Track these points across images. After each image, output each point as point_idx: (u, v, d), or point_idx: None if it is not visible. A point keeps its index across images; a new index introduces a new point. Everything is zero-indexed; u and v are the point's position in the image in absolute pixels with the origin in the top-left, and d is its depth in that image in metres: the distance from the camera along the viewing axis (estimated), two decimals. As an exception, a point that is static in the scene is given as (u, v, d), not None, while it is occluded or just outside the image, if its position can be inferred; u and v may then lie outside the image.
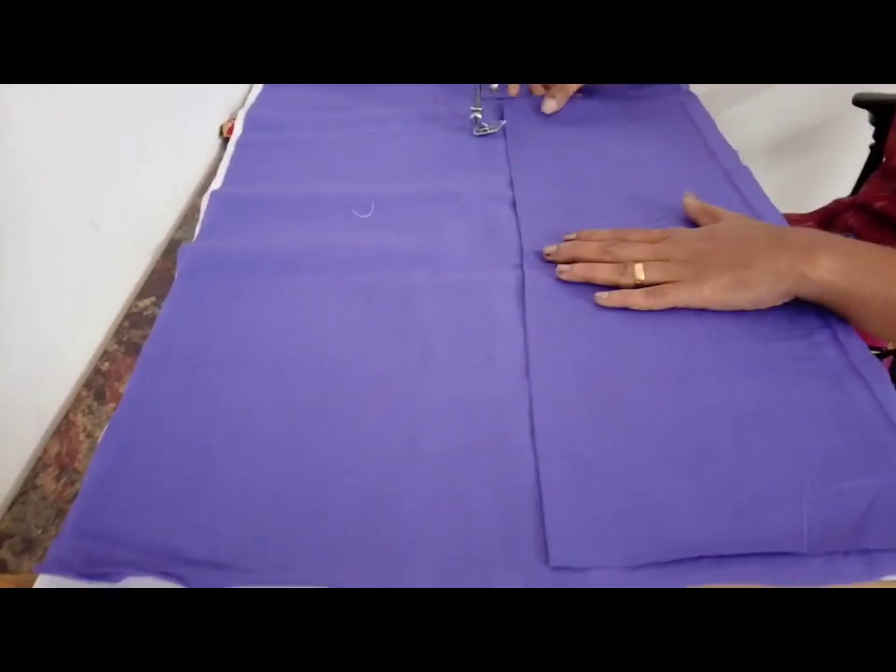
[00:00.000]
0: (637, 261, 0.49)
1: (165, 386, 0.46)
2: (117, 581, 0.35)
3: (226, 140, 0.78)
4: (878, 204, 0.74)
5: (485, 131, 0.74)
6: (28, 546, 0.41)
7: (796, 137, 1.19)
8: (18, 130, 0.47)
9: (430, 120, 0.77)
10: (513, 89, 0.77)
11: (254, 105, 0.79)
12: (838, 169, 1.12)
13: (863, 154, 0.97)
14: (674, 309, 0.48)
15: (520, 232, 0.59)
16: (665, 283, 0.48)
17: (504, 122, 0.75)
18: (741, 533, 0.36)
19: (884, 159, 0.77)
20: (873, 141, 0.95)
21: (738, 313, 0.48)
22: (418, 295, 0.53)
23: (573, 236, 0.55)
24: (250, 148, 0.72)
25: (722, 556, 0.34)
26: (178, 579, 0.35)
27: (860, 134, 0.96)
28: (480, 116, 0.74)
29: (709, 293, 0.47)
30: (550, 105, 0.75)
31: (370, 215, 0.62)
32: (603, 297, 0.49)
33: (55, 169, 0.50)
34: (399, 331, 0.50)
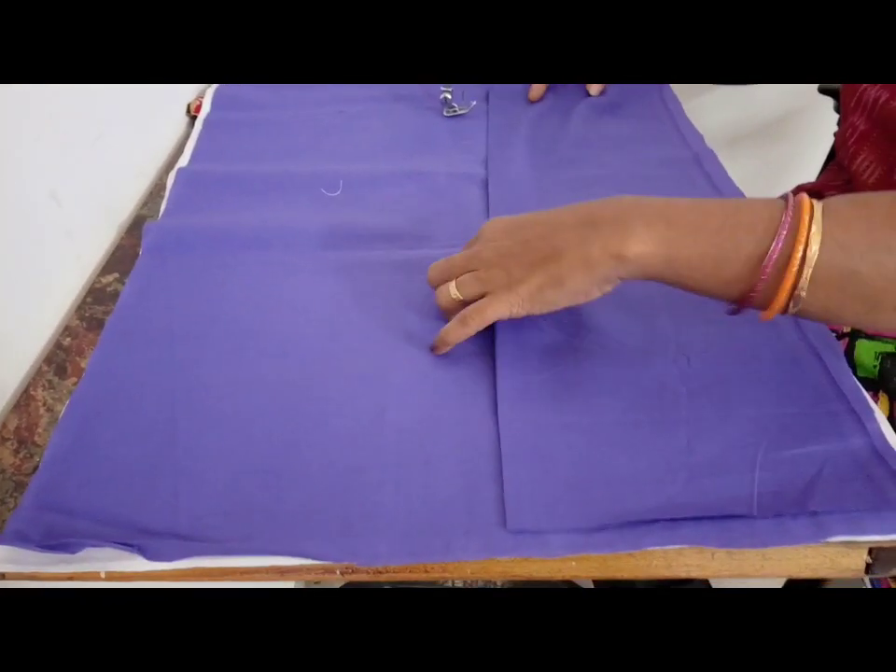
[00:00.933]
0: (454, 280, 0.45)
1: (129, 361, 0.46)
2: (75, 551, 0.36)
3: (193, 118, 0.77)
4: (828, 194, 0.76)
5: (455, 111, 0.74)
6: (-15, 518, 0.41)
7: (763, 126, 1.21)
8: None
9: (402, 100, 0.77)
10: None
11: (222, 84, 0.78)
12: (804, 157, 1.14)
13: (828, 141, 0.98)
14: (635, 284, 0.46)
15: (489, 212, 0.60)
16: (480, 295, 0.44)
17: (474, 103, 0.75)
18: (695, 497, 0.37)
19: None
20: (837, 129, 0.96)
21: None
22: (385, 272, 0.54)
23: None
24: (218, 127, 0.72)
25: (676, 520, 0.35)
26: (137, 549, 0.35)
27: (825, 122, 0.97)
28: (450, 97, 0.74)
29: (526, 298, 0.42)
30: (536, 92, 0.76)
31: (338, 192, 0.62)
32: (434, 351, 0.46)
33: (10, 137, 0.50)
34: (364, 307, 0.51)
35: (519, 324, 0.47)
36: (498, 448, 0.40)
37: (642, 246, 0.38)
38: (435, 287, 0.48)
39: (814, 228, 0.35)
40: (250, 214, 0.59)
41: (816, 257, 0.35)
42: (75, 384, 0.49)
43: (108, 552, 0.36)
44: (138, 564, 0.36)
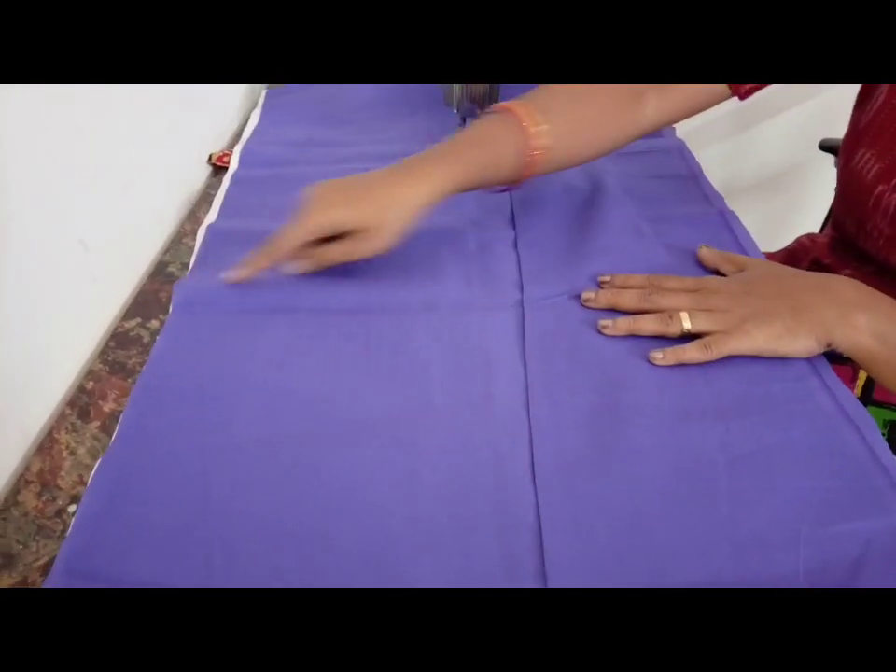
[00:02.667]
0: (680, 310, 0.49)
1: (160, 421, 0.46)
2: None
3: (215, 167, 0.79)
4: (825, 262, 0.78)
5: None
6: (8, 561, 0.41)
7: (763, 181, 1.24)
8: (10, 150, 0.47)
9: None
10: None
11: (249, 140, 0.80)
12: (805, 210, 1.16)
13: (829, 196, 1.01)
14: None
15: (520, 270, 0.59)
16: (711, 333, 0.48)
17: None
18: (739, 573, 0.36)
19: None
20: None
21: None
22: (416, 336, 0.53)
23: (607, 279, 0.55)
24: (245, 184, 0.73)
25: None
26: None
27: (826, 178, 1.00)
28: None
29: (762, 342, 0.47)
30: None
31: None
32: (657, 357, 0.48)
33: (47, 188, 0.51)
34: (396, 370, 0.50)
35: (553, 383, 0.47)
36: (536, 516, 0.39)
37: (863, 331, 0.46)
38: (632, 309, 0.52)
39: None
40: (278, 274, 0.58)
41: None
42: (98, 427, 0.50)
43: None
44: None
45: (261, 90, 0.96)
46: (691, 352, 0.48)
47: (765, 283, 0.50)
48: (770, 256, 0.86)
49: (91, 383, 0.53)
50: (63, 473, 0.46)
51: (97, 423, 0.50)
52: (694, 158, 0.78)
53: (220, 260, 0.59)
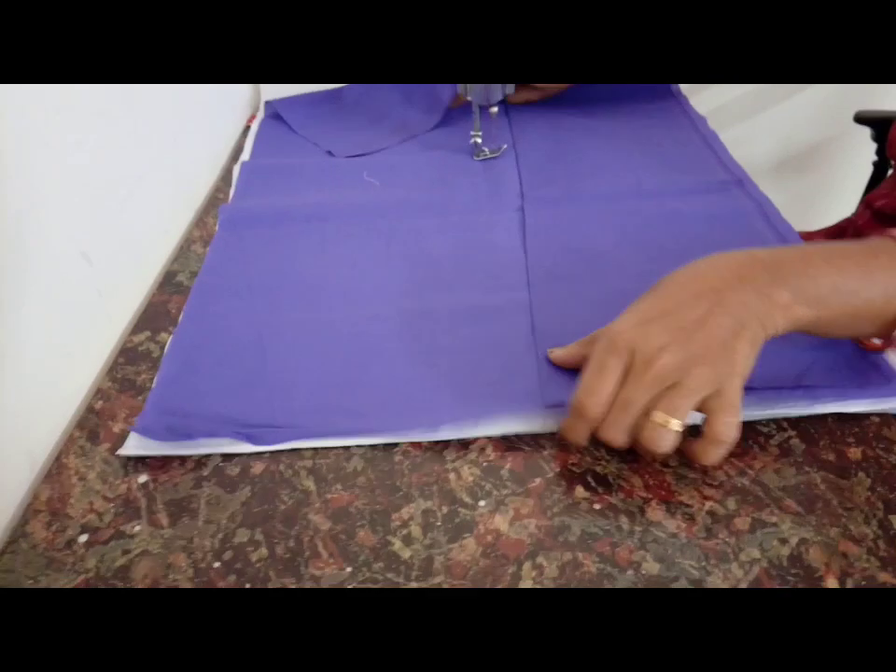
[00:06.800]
0: (651, 419, 0.38)
1: (218, 307, 0.56)
2: (195, 439, 0.45)
3: (228, 175, 0.77)
4: (879, 203, 0.77)
5: (486, 155, 0.73)
6: (16, 600, 0.39)
7: (799, 157, 1.19)
8: (9, 163, 0.45)
9: (432, 149, 0.76)
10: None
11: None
12: (842, 187, 1.11)
13: (867, 171, 0.96)
14: (647, 238, 0.60)
15: (521, 180, 0.70)
16: (698, 408, 0.39)
17: (505, 146, 0.74)
18: None
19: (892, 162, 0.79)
20: (876, 158, 0.94)
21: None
22: (429, 234, 0.63)
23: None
24: (267, 136, 0.84)
25: None
26: (245, 437, 0.45)
27: (862, 152, 0.95)
28: (480, 140, 0.73)
29: (747, 374, 0.39)
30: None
31: (378, 185, 0.72)
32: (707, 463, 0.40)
33: (47, 201, 0.49)
34: (413, 263, 0.60)
35: (552, 263, 0.59)
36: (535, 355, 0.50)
37: (796, 310, 0.40)
38: (607, 438, 0.40)
39: None
40: (309, 195, 0.71)
41: None
42: (107, 449, 0.47)
43: (221, 441, 0.45)
44: (245, 447, 0.45)
45: (262, 96, 0.92)
46: (710, 454, 0.39)
47: (682, 312, 0.39)
48: (810, 234, 0.82)
49: (99, 402, 0.51)
50: (72, 501, 0.44)
51: (107, 445, 0.47)
52: (706, 123, 0.77)
53: (256, 190, 0.72)
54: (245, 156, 0.79)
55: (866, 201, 0.80)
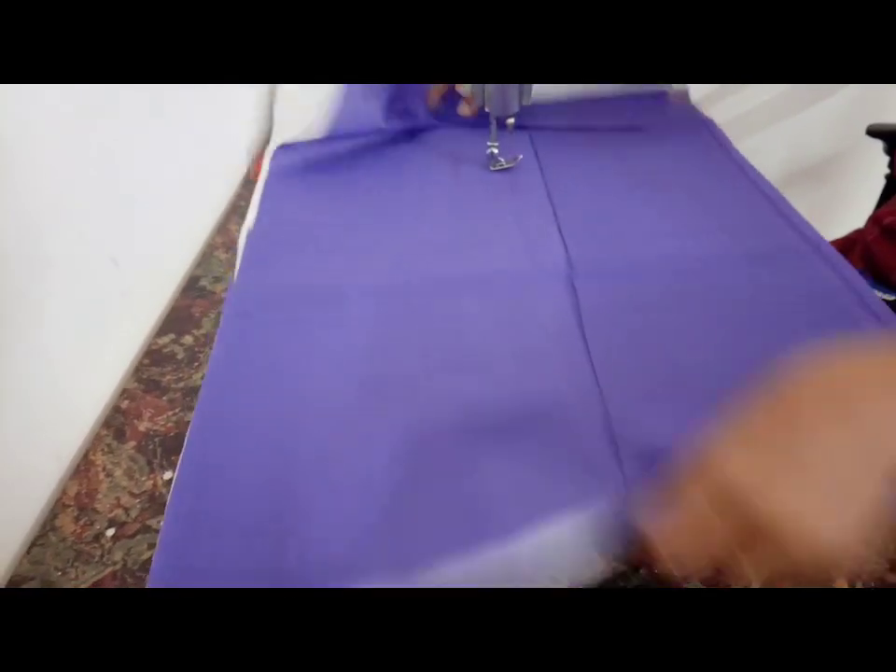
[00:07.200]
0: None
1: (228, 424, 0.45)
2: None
3: (250, 182, 0.78)
4: (888, 220, 0.78)
5: (502, 165, 0.74)
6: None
7: (812, 168, 1.19)
8: (42, 169, 0.47)
9: (446, 160, 0.77)
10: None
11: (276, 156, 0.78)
12: (853, 200, 1.11)
13: (879, 184, 0.97)
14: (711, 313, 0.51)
15: (566, 249, 0.60)
16: None
17: (521, 156, 0.75)
18: None
19: None
20: (888, 171, 0.94)
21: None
22: (469, 307, 0.54)
23: None
24: (279, 184, 0.72)
25: None
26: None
27: (874, 165, 0.96)
28: (496, 151, 0.74)
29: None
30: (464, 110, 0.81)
31: None
32: None
33: (77, 207, 0.51)
34: (453, 346, 0.51)
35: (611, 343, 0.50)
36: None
37: None
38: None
39: None
40: (327, 267, 0.60)
41: None
42: (134, 447, 0.48)
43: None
44: None
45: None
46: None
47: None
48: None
49: (125, 402, 0.52)
50: (100, 496, 0.45)
51: (133, 443, 0.49)
52: (734, 147, 0.75)
53: (266, 260, 0.61)
54: (251, 219, 0.67)
55: (875, 217, 0.80)
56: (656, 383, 0.46)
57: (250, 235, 0.63)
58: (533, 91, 0.84)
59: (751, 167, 0.71)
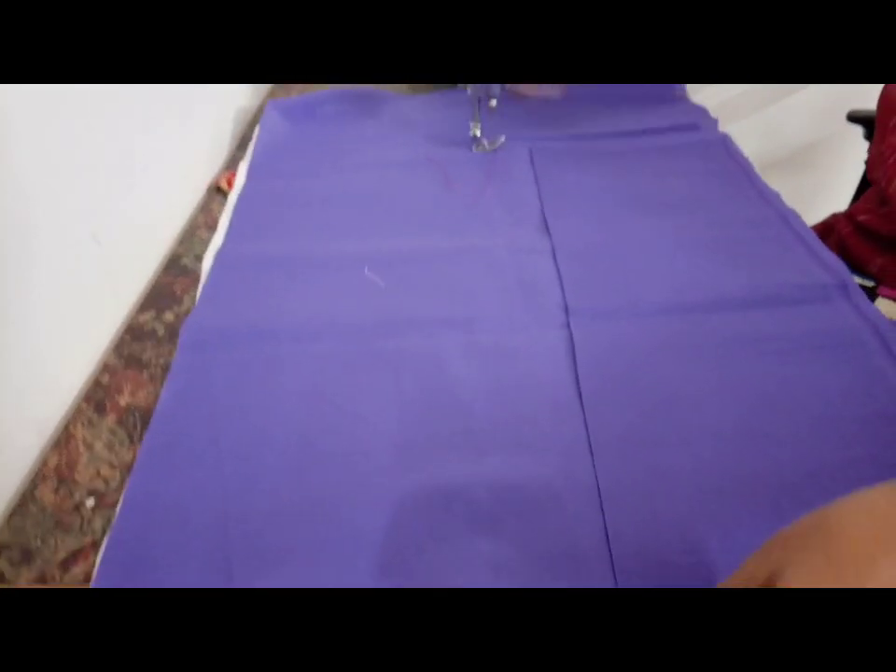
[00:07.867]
0: None
1: (171, 485, 0.43)
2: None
3: (218, 189, 0.76)
4: (861, 217, 0.79)
5: (484, 148, 0.75)
6: (26, 557, 0.41)
7: (793, 155, 1.21)
8: (22, 146, 0.47)
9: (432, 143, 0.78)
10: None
11: (256, 154, 0.77)
12: (834, 184, 1.13)
13: (859, 169, 0.98)
14: (730, 373, 0.47)
15: (563, 287, 0.55)
16: None
17: (503, 139, 0.75)
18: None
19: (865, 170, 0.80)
20: (867, 156, 0.96)
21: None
22: (452, 361, 0.49)
23: None
24: (253, 200, 0.69)
25: None
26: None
27: (854, 150, 0.97)
28: (479, 133, 0.74)
29: None
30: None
31: (383, 286, 0.57)
32: None
33: (58, 183, 0.51)
34: (432, 405, 0.46)
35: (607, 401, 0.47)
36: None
37: None
38: None
39: None
40: (295, 302, 0.55)
41: None
42: (114, 420, 0.49)
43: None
44: None
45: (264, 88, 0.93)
46: None
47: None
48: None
49: (106, 376, 0.53)
50: (79, 468, 0.46)
51: (113, 416, 0.49)
52: (742, 152, 0.73)
53: (230, 292, 0.56)
54: (218, 240, 0.64)
55: (850, 213, 0.81)
56: (656, 486, 0.42)
57: (216, 259, 0.61)
58: (533, 92, 0.85)
59: (772, 192, 0.66)
